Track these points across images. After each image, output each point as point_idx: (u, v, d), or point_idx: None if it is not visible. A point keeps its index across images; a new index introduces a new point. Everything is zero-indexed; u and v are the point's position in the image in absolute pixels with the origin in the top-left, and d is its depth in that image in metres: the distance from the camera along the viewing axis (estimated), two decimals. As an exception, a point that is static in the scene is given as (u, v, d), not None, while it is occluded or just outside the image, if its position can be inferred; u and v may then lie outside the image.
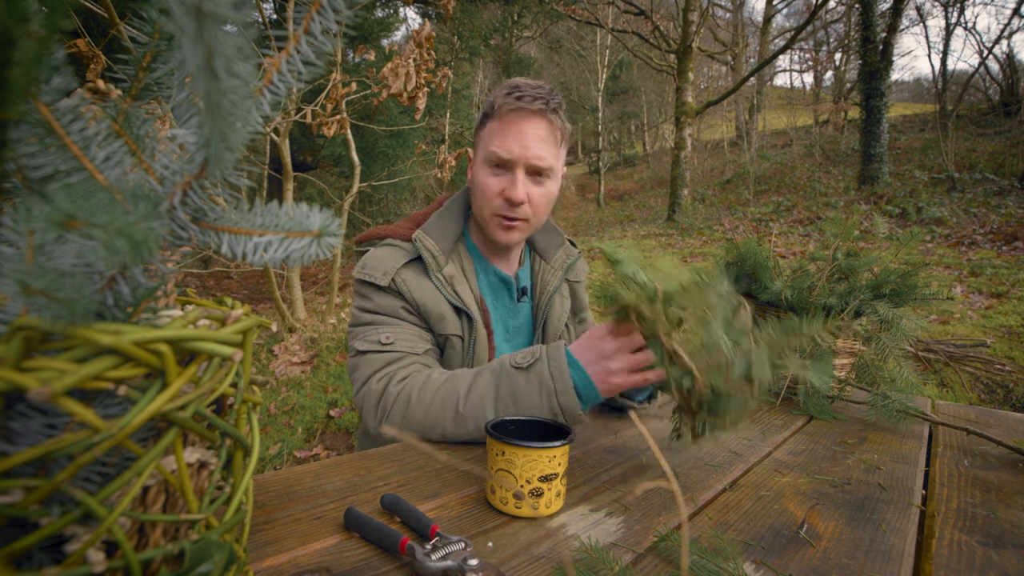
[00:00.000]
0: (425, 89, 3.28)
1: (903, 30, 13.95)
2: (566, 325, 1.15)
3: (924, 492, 0.73)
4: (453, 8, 3.50)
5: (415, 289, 0.95)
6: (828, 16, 18.07)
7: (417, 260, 0.99)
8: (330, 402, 3.35)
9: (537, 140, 0.94)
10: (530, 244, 1.15)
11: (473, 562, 0.46)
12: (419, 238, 0.99)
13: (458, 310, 0.98)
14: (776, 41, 17.62)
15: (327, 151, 9.15)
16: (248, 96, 0.25)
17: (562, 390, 0.76)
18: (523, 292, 1.11)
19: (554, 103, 0.96)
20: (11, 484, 0.23)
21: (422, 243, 0.98)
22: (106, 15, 1.80)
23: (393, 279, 0.95)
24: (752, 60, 19.35)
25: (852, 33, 17.11)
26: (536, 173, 0.97)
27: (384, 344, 0.91)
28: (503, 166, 0.96)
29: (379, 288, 0.95)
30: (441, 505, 0.61)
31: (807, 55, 22.86)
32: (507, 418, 0.69)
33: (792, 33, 11.56)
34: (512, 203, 0.96)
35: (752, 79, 14.25)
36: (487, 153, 0.96)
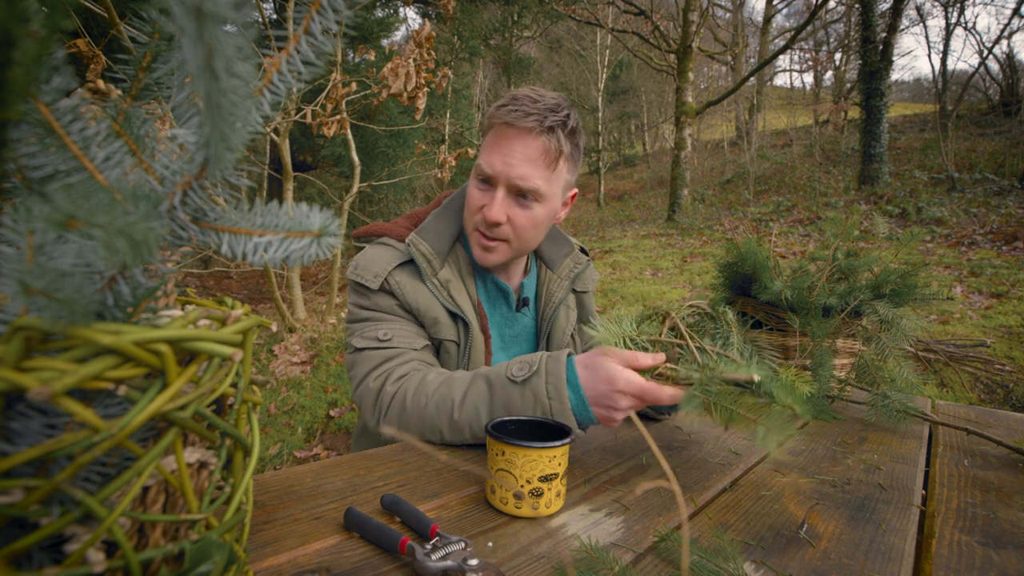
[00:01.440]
0: (425, 89, 3.28)
1: (903, 30, 13.95)
2: (572, 336, 1.13)
3: (924, 492, 0.73)
4: (453, 8, 3.50)
5: (408, 292, 0.93)
6: (828, 16, 18.07)
7: (412, 262, 0.96)
8: (330, 402, 3.35)
9: (524, 159, 0.88)
10: (536, 253, 1.12)
11: (473, 562, 0.46)
12: (413, 242, 0.95)
13: (453, 315, 0.96)
14: (776, 41, 17.62)
15: (327, 151, 9.16)
16: (248, 96, 0.25)
17: (558, 410, 0.72)
18: (524, 303, 1.07)
19: (551, 121, 0.88)
20: (11, 484, 0.23)
21: (416, 247, 0.95)
22: (106, 15, 1.80)
23: (386, 280, 0.93)
24: (752, 60, 19.35)
25: (852, 33, 17.11)
26: (519, 194, 0.91)
27: (382, 340, 0.90)
28: (487, 181, 0.92)
29: (372, 288, 0.94)
30: (441, 505, 0.61)
31: (807, 55, 22.87)
32: (507, 418, 0.69)
33: (792, 33, 11.56)
34: (489, 224, 0.91)
35: (752, 79, 14.25)
36: (476, 165, 0.93)
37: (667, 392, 0.69)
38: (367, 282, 0.93)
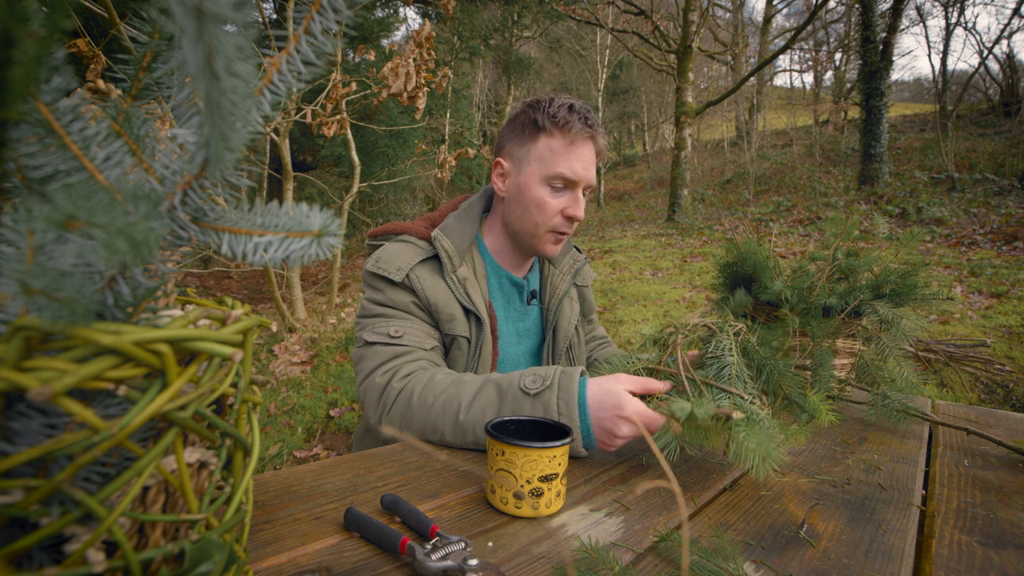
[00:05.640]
0: (425, 89, 3.28)
1: (903, 30, 13.95)
2: (576, 327, 1.18)
3: (924, 492, 0.73)
4: (453, 8, 3.50)
5: (428, 288, 0.96)
6: (828, 16, 18.07)
7: (432, 259, 1.00)
8: (330, 402, 3.35)
9: (592, 162, 1.01)
10: None
11: (473, 562, 0.46)
12: (438, 238, 0.99)
13: (468, 312, 0.99)
14: (776, 41, 17.62)
15: (327, 151, 9.16)
16: (248, 96, 0.25)
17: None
18: (532, 295, 1.14)
19: (600, 127, 1.02)
20: (11, 484, 0.23)
21: (440, 243, 0.99)
22: (106, 15, 1.80)
23: (408, 275, 0.96)
24: (752, 60, 19.35)
25: (852, 33, 17.10)
26: (585, 191, 1.03)
27: (393, 337, 0.92)
28: (567, 186, 1.00)
29: (392, 283, 0.96)
30: (441, 505, 0.61)
31: (807, 55, 22.86)
32: (507, 418, 0.69)
33: (792, 33, 11.55)
34: (573, 221, 1.02)
35: (752, 79, 14.25)
36: (551, 172, 0.98)
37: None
38: (390, 275, 0.95)
